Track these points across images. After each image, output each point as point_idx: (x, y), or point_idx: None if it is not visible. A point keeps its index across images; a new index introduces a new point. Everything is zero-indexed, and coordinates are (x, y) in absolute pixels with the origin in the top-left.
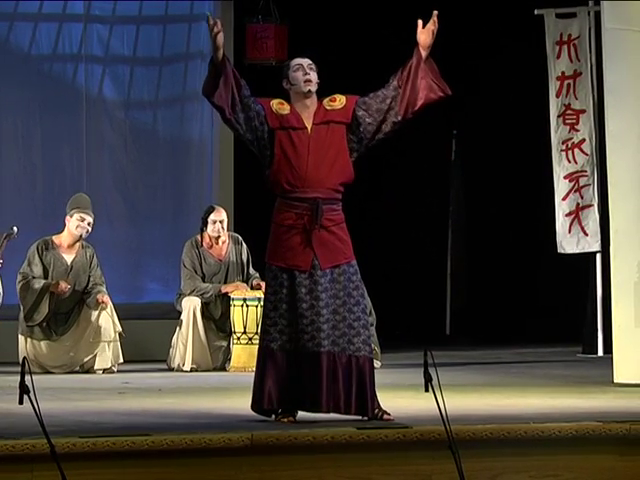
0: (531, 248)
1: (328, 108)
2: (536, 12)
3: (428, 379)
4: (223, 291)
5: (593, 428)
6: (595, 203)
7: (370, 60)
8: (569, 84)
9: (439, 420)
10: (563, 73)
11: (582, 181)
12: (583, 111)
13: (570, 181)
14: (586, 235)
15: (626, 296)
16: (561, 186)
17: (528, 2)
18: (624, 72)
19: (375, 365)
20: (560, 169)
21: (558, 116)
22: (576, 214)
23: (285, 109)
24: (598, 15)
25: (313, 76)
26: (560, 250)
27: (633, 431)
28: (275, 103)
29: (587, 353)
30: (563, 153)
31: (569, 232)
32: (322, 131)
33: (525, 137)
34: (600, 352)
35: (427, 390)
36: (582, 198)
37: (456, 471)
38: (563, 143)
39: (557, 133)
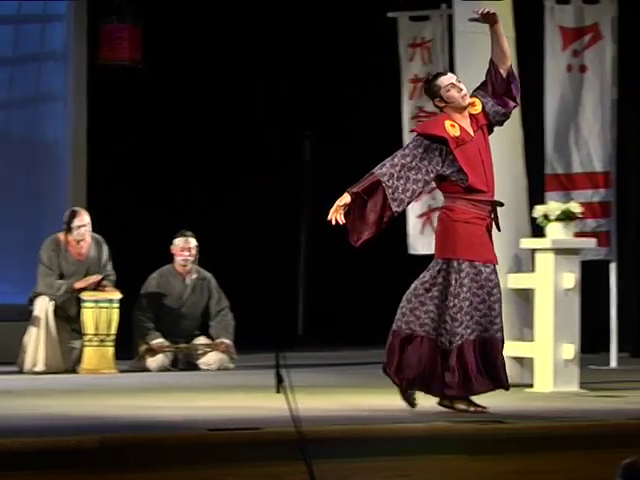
0: (383, 249)
1: (474, 113)
2: (389, 15)
3: (279, 380)
4: (77, 286)
5: (443, 428)
6: None
7: (223, 59)
8: (422, 87)
9: (290, 421)
10: (416, 76)
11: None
12: (435, 113)
13: None
14: None
15: None
16: None
17: (381, 5)
18: (476, 75)
19: (228, 366)
20: None
21: (411, 118)
22: (428, 216)
23: (457, 130)
24: (451, 18)
25: (464, 87)
26: (411, 251)
27: (482, 431)
28: (449, 125)
29: None
30: None
31: (421, 233)
32: (480, 137)
33: (379, 139)
34: None
35: (278, 391)
36: (434, 199)
37: (308, 473)
38: None
39: (409, 135)
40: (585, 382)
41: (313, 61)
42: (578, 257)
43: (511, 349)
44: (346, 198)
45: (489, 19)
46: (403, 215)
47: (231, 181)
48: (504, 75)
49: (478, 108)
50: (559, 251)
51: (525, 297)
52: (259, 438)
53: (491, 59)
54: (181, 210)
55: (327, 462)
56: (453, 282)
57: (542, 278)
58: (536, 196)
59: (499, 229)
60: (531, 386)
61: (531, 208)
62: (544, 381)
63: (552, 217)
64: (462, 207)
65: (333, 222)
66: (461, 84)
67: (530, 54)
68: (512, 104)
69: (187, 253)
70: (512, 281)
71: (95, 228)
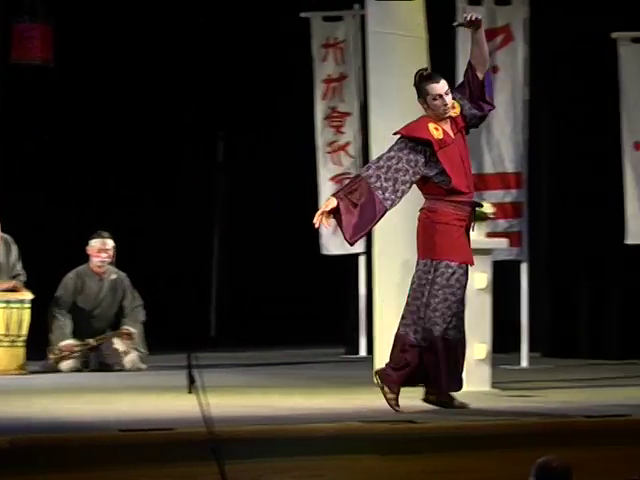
0: (296, 249)
1: (454, 116)
2: (302, 15)
3: (191, 381)
4: None
5: (355, 428)
6: None
7: (135, 59)
8: (335, 87)
9: (202, 421)
10: (329, 76)
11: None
12: (348, 114)
13: (335, 183)
14: None
15: (389, 297)
16: (326, 188)
17: (294, 5)
18: (389, 75)
19: (141, 367)
20: (325, 171)
21: (324, 119)
22: None
23: (440, 133)
24: (364, 19)
25: (449, 100)
26: (324, 251)
27: (394, 431)
28: (432, 128)
29: (350, 354)
30: (328, 155)
31: (333, 233)
32: (459, 139)
33: (292, 139)
34: (363, 353)
35: (190, 392)
36: None
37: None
38: (329, 145)
39: (322, 136)
40: (497, 382)
41: (226, 61)
42: (490, 257)
43: None
44: (332, 203)
45: (475, 24)
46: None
47: (144, 181)
48: (480, 78)
49: (457, 111)
50: (472, 251)
51: None
52: (172, 439)
53: (469, 62)
54: (93, 210)
55: (239, 462)
56: (431, 281)
57: None
58: None
59: (473, 229)
60: None
61: None
62: None
63: None
64: (443, 209)
65: (317, 225)
66: (449, 96)
67: (442, 55)
68: (488, 107)
69: (105, 255)
70: None
71: (5, 228)
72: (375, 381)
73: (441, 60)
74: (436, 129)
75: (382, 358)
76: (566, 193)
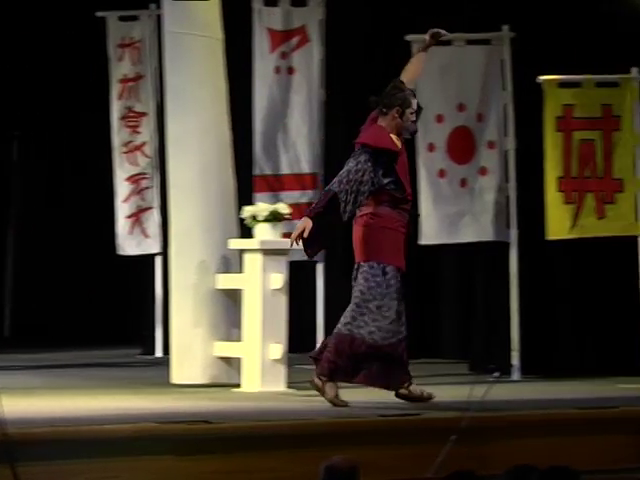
0: (93, 250)
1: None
2: (98, 14)
3: None
4: None
5: (150, 429)
6: (156, 205)
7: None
8: (131, 87)
9: None
10: (125, 76)
11: (143, 183)
12: (145, 114)
13: (131, 183)
14: (147, 237)
15: (185, 298)
16: (122, 188)
17: (89, 4)
18: (185, 76)
19: None
20: (121, 171)
21: (120, 119)
22: (137, 216)
23: (399, 143)
24: (160, 18)
25: None
26: (120, 252)
27: (189, 431)
28: (394, 139)
29: (146, 354)
30: (124, 155)
31: (130, 234)
32: (403, 149)
33: (87, 139)
34: (159, 354)
35: None
36: (143, 200)
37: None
38: (124, 145)
39: (119, 136)
40: (293, 382)
41: (21, 60)
42: (286, 258)
43: (219, 349)
44: (308, 224)
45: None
46: (112, 215)
47: None
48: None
49: None
50: (267, 252)
51: (234, 298)
52: None
53: (402, 78)
54: None
55: (33, 464)
56: (385, 284)
57: (250, 278)
58: (245, 197)
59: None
60: (239, 386)
61: (240, 209)
62: (252, 381)
63: (260, 218)
64: (389, 215)
65: (292, 245)
66: None
67: (239, 56)
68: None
69: None
70: (220, 281)
71: None
72: (316, 384)
73: (237, 60)
74: (397, 140)
75: (179, 358)
76: None
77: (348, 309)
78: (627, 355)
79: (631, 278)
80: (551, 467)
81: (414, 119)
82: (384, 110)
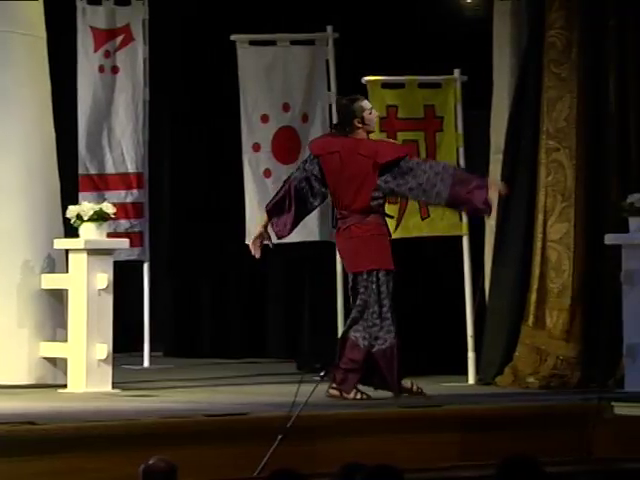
0: None
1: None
2: None
3: None
4: None
5: None
6: None
7: None
8: None
9: None
10: None
11: None
12: None
13: None
14: None
15: (9, 298)
16: None
17: None
18: (8, 75)
19: None
20: None
21: None
22: None
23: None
24: None
25: None
26: None
27: (13, 433)
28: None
29: None
30: None
31: None
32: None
33: None
34: None
35: None
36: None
37: None
38: None
39: None
40: (119, 382)
41: None
42: (111, 257)
43: (44, 350)
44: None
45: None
46: None
47: None
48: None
49: None
50: (92, 251)
51: (59, 298)
52: None
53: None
54: None
55: None
56: (376, 291)
57: (75, 278)
58: (70, 196)
59: None
60: (65, 386)
61: (65, 208)
62: (77, 381)
63: (85, 217)
64: (376, 222)
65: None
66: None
67: (62, 55)
68: None
69: None
70: (46, 282)
71: None
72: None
73: (59, 59)
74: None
75: (3, 359)
76: (188, 193)
77: (353, 316)
78: (452, 355)
79: (457, 278)
80: (377, 465)
81: (375, 114)
82: (347, 129)
